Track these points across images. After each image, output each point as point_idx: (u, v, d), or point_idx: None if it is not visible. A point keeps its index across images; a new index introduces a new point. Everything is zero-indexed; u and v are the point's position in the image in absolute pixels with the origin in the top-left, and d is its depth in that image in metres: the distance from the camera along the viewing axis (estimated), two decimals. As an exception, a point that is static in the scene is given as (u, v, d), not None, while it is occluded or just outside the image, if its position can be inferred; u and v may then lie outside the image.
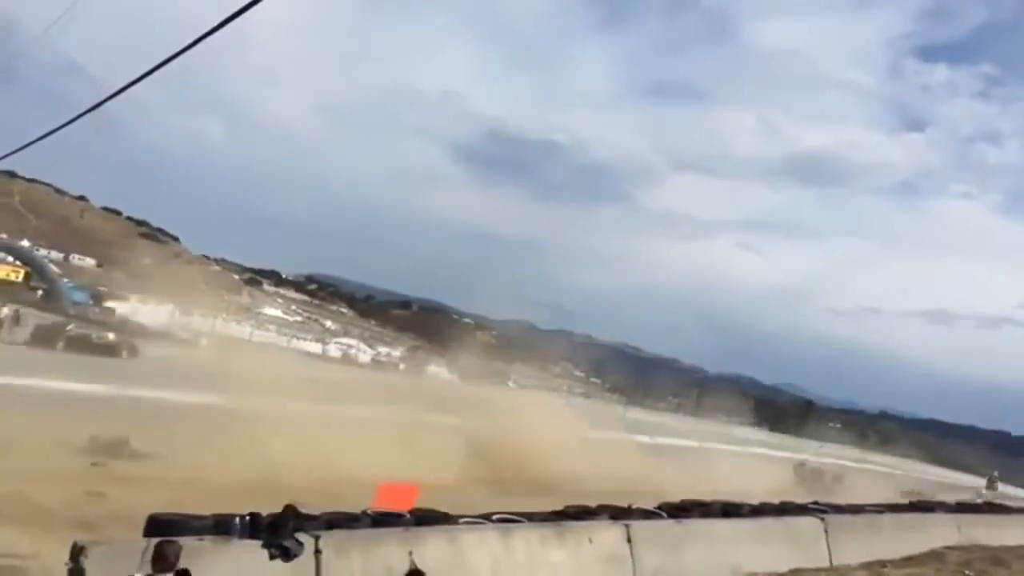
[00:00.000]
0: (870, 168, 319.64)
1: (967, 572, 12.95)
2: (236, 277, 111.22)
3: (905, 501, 21.81)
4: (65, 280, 69.07)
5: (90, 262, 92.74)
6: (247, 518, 8.09)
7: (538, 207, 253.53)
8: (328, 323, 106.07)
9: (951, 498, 23.59)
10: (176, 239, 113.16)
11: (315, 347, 73.93)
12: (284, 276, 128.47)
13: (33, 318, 41.79)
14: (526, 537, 9.69)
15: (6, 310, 41.82)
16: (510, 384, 66.59)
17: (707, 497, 14.28)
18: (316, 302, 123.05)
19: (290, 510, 8.34)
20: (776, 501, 15.35)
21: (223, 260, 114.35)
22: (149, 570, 6.14)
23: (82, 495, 14.52)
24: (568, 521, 10.69)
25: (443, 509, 10.03)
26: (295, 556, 7.78)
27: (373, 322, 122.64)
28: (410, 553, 8.35)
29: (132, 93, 11.18)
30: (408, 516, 9.55)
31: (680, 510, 12.54)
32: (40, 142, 16.56)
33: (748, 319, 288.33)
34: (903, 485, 42.89)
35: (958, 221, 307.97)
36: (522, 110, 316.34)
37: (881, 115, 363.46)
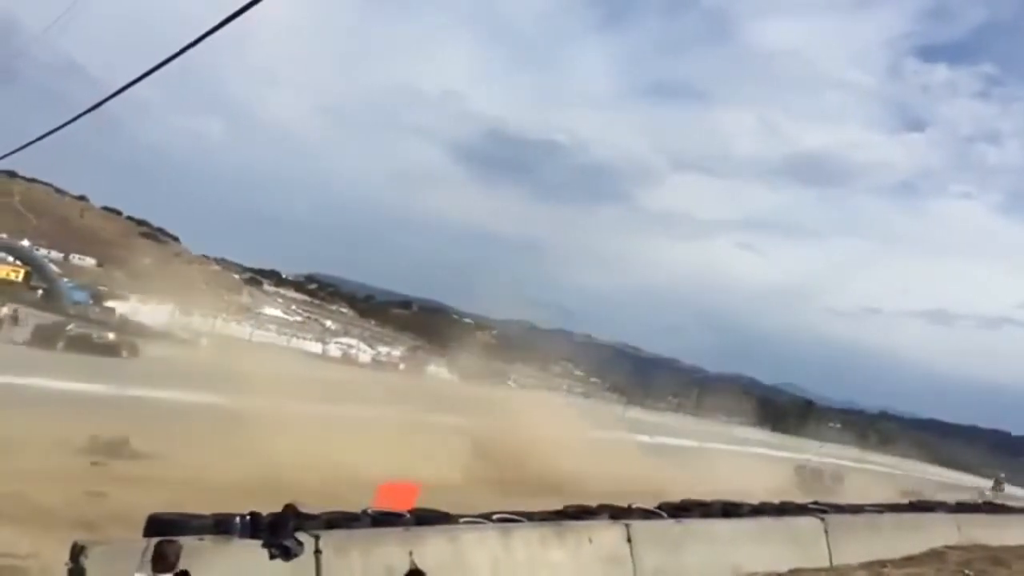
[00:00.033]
0: (870, 168, 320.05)
1: (967, 572, 12.94)
2: (236, 277, 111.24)
3: (905, 501, 21.81)
4: (65, 280, 69.15)
5: (90, 262, 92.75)
6: (247, 518, 8.08)
7: (538, 207, 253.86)
8: (328, 323, 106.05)
9: (952, 499, 23.58)
10: (176, 239, 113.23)
11: (315, 347, 73.93)
12: (284, 276, 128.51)
13: (33, 318, 41.82)
14: (526, 537, 9.69)
15: (5, 310, 41.85)
16: (510, 384, 66.54)
17: (707, 497, 14.28)
18: (316, 302, 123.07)
19: (290, 510, 8.34)
20: (776, 501, 15.36)
21: (223, 260, 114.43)
22: (149, 570, 6.14)
23: (82, 495, 14.50)
24: (568, 521, 10.69)
25: (449, 509, 10.02)
26: (295, 556, 7.78)
27: (373, 322, 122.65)
28: (410, 553, 8.35)
29: (132, 93, 11.17)
30: (408, 516, 9.54)
31: (680, 510, 12.54)
32: (40, 142, 16.55)
33: (748, 319, 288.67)
34: (903, 485, 42.92)
35: (958, 221, 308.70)
36: (522, 110, 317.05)
37: (881, 115, 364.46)
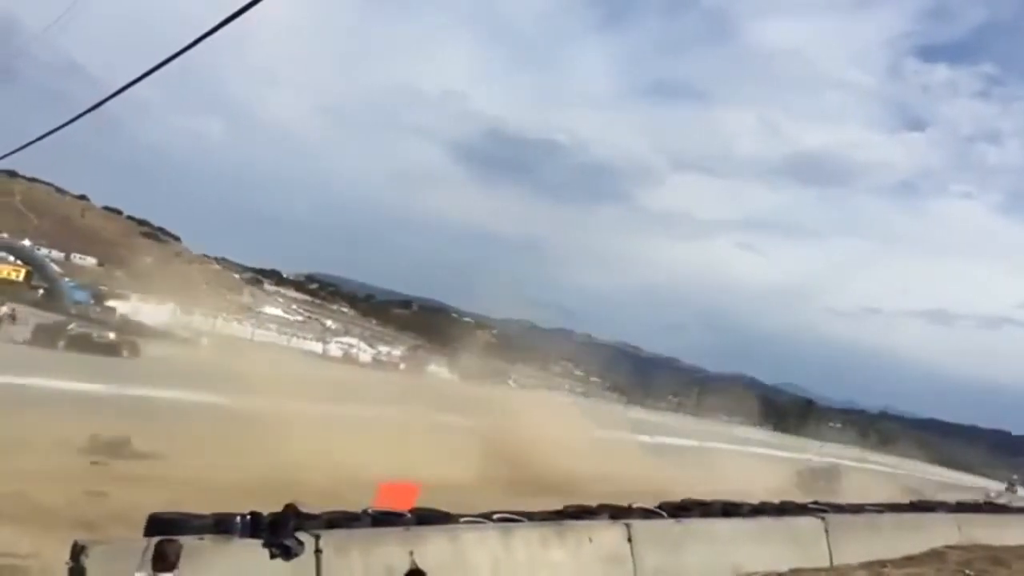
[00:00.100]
0: (870, 168, 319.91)
1: (967, 572, 12.94)
2: (237, 276, 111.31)
3: (906, 500, 21.80)
4: (66, 279, 69.19)
5: (91, 261, 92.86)
6: (248, 517, 8.08)
7: (538, 207, 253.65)
8: (329, 322, 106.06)
9: (955, 499, 23.57)
10: (177, 238, 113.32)
11: (316, 346, 73.99)
12: (285, 275, 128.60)
13: (34, 317, 41.84)
14: (526, 536, 9.69)
15: (4, 309, 41.88)
16: (510, 383, 66.55)
17: (708, 497, 14.28)
18: (317, 301, 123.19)
19: (290, 509, 8.33)
20: (776, 501, 15.35)
21: (224, 259, 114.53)
22: (150, 569, 6.14)
23: (83, 494, 14.51)
24: (568, 520, 10.68)
25: (452, 509, 10.01)
26: (295, 555, 7.78)
27: (374, 321, 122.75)
28: (411, 552, 8.34)
29: (132, 93, 11.20)
30: (409, 515, 9.54)
31: (680, 509, 12.53)
32: (41, 141, 16.59)
33: (748, 319, 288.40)
34: (904, 485, 42.90)
35: (958, 221, 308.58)
36: (522, 110, 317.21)
37: (881, 115, 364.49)
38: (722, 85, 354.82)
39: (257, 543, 7.75)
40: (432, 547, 8.71)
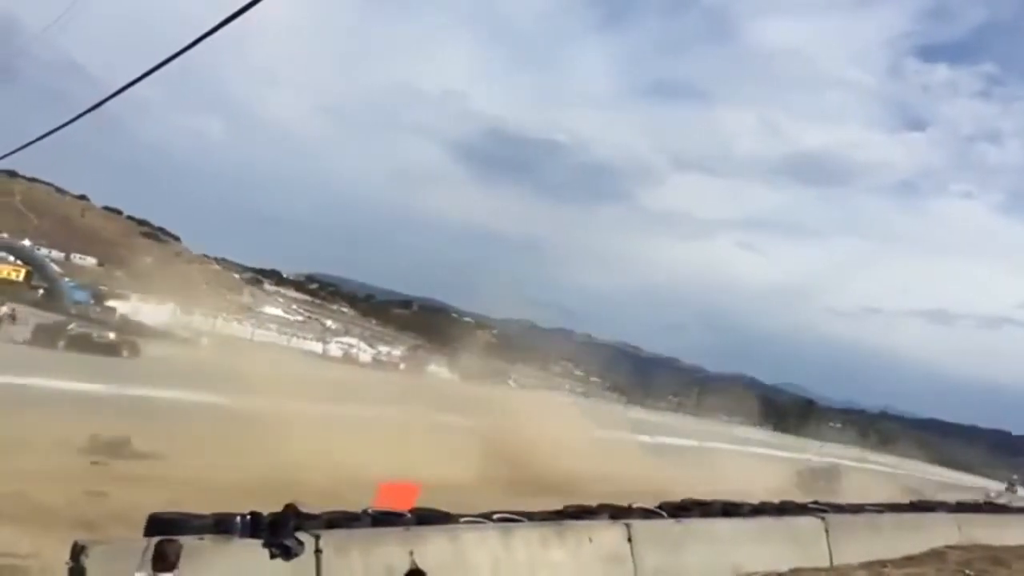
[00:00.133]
0: (871, 167, 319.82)
1: (967, 572, 12.94)
2: (237, 276, 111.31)
3: (907, 500, 21.81)
4: (66, 279, 69.19)
5: (91, 261, 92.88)
6: (248, 517, 8.08)
7: (539, 206, 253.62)
8: (329, 322, 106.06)
9: (955, 499, 23.57)
10: (177, 238, 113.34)
11: (316, 346, 73.99)
12: (285, 275, 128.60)
13: (34, 317, 41.85)
14: (526, 536, 9.68)
15: (4, 309, 41.90)
16: (510, 383, 66.55)
17: (708, 496, 14.27)
18: (317, 301, 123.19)
19: (290, 509, 8.33)
20: (776, 501, 15.35)
21: (224, 259, 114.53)
22: (150, 569, 6.14)
23: (83, 494, 14.51)
24: (568, 520, 10.67)
25: (454, 509, 10.01)
26: (295, 555, 7.77)
27: (374, 321, 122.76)
28: (411, 552, 8.34)
29: (133, 92, 11.21)
30: (409, 515, 9.54)
31: (680, 509, 12.53)
32: (41, 141, 16.60)
33: (749, 318, 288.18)
34: (904, 485, 42.90)
35: (958, 221, 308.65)
36: (522, 109, 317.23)
37: (882, 114, 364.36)
38: (722, 85, 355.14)
39: (257, 543, 7.75)
40: (432, 547, 8.71)
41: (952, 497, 25.15)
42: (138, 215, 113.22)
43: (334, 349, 76.41)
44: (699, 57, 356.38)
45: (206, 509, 8.39)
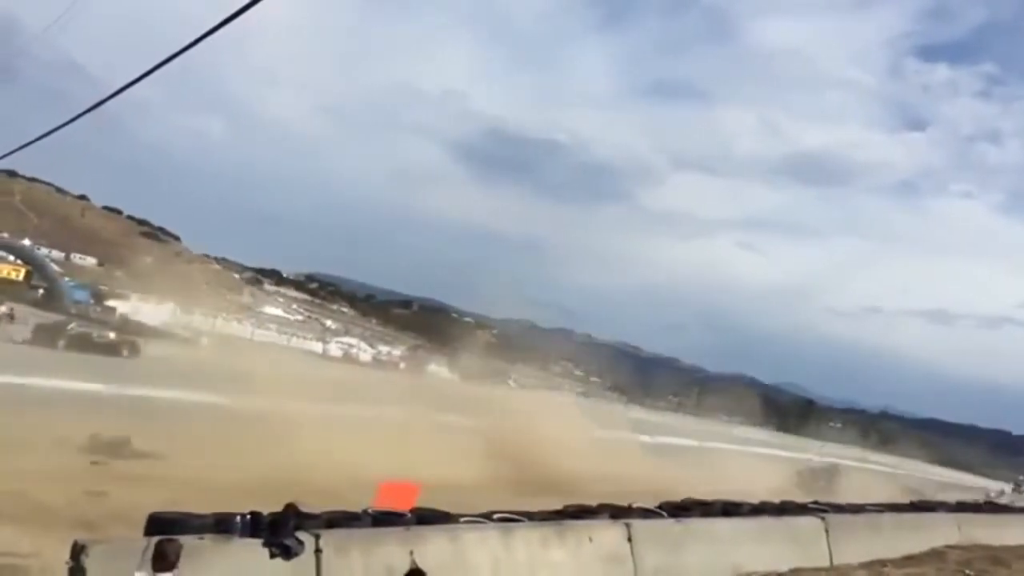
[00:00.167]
0: (871, 167, 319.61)
1: (967, 571, 12.94)
2: (237, 276, 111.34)
3: (906, 500, 21.81)
4: (66, 279, 69.25)
5: (91, 261, 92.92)
6: (248, 517, 8.08)
7: (539, 206, 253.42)
8: (329, 322, 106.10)
9: (954, 499, 23.59)
10: (177, 238, 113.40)
11: (316, 346, 74.05)
12: (285, 275, 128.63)
13: (34, 317, 41.87)
14: (527, 536, 9.68)
15: (3, 308, 41.95)
16: (510, 383, 66.58)
17: (708, 496, 14.27)
18: (317, 301, 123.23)
19: (291, 509, 8.33)
20: (776, 501, 15.35)
21: (224, 259, 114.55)
22: (150, 569, 6.14)
23: (83, 494, 14.53)
24: (568, 520, 10.67)
25: (457, 509, 10.00)
26: (296, 555, 7.77)
27: (374, 321, 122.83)
28: (411, 552, 8.34)
29: (133, 92, 11.20)
30: (409, 515, 9.53)
31: (681, 509, 12.52)
32: (41, 141, 16.59)
33: (749, 318, 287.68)
34: (905, 485, 42.92)
35: (959, 220, 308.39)
36: (522, 109, 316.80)
37: (882, 114, 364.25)
38: (722, 85, 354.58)
39: (257, 543, 7.75)
40: (432, 547, 8.70)
41: (953, 497, 25.16)
42: (138, 215, 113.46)
43: (334, 349, 76.46)
44: (699, 57, 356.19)
45: (206, 509, 8.39)
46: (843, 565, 12.59)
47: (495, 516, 10.15)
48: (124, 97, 11.36)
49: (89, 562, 6.82)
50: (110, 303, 61.33)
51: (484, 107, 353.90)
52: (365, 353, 79.62)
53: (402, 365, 75.61)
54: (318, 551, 7.95)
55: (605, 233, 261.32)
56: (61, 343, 36.41)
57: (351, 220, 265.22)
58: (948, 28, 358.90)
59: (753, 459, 43.69)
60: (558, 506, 11.39)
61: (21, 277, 67.40)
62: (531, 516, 10.49)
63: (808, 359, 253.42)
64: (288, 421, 21.15)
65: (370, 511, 9.42)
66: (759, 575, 11.39)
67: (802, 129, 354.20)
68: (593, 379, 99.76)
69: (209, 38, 8.74)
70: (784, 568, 11.79)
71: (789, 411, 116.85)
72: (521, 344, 76.25)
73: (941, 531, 14.92)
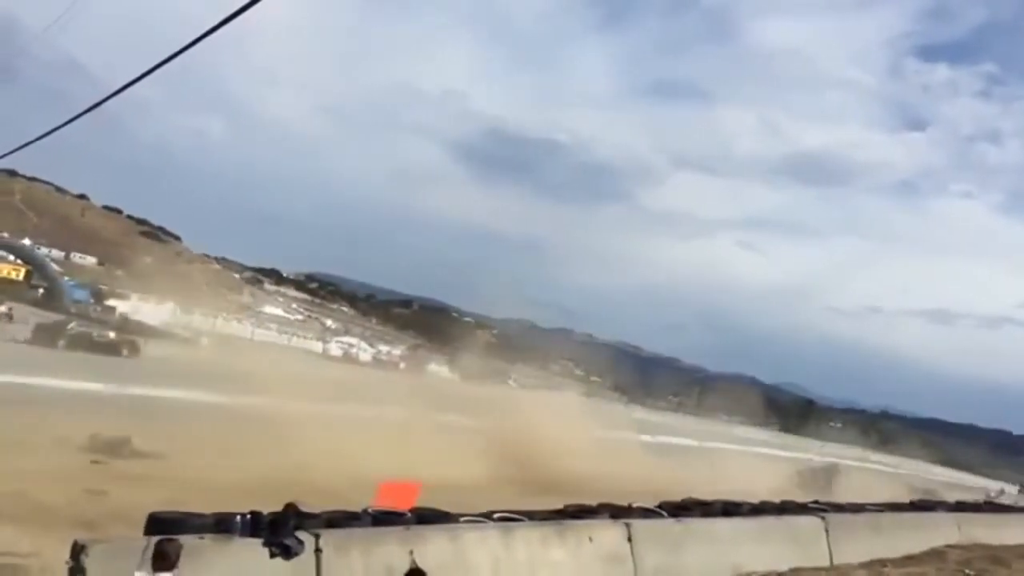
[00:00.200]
0: (871, 167, 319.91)
1: (967, 571, 12.93)
2: (237, 276, 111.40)
3: (907, 500, 21.81)
4: (66, 278, 69.29)
5: (91, 260, 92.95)
6: (248, 516, 8.07)
7: (539, 206, 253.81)
8: (329, 322, 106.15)
9: (955, 499, 23.59)
10: (177, 238, 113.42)
11: (316, 346, 74.11)
12: (285, 275, 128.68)
13: (34, 316, 41.90)
14: (527, 536, 9.68)
15: (2, 308, 41.97)
16: (511, 383, 66.54)
17: (709, 496, 14.25)
18: (317, 301, 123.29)
19: (291, 509, 8.33)
20: (777, 500, 15.34)
21: (224, 259, 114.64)
22: (150, 568, 6.13)
23: (83, 494, 14.52)
24: (569, 520, 10.66)
25: (457, 508, 9.99)
26: (296, 554, 7.77)
27: (374, 321, 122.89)
28: (411, 552, 8.33)
29: (133, 92, 11.22)
30: (409, 515, 9.53)
31: (681, 509, 12.50)
32: (41, 141, 16.63)
33: (749, 318, 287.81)
34: (906, 484, 42.90)
35: (959, 220, 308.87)
36: (522, 109, 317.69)
37: (882, 114, 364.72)
38: (722, 85, 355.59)
39: (257, 542, 7.74)
40: (432, 546, 8.70)
41: (953, 497, 25.17)
42: (138, 215, 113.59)
43: (334, 348, 76.51)
44: (699, 57, 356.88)
45: (206, 508, 8.39)
46: (843, 565, 12.57)
47: (495, 516, 10.15)
48: (124, 97, 11.39)
49: (89, 562, 6.82)
50: (110, 303, 61.39)
51: (484, 107, 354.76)
52: (365, 353, 79.66)
53: (402, 365, 75.63)
54: (318, 551, 7.95)
55: (605, 233, 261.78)
56: (61, 343, 36.45)
57: (351, 220, 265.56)
58: (948, 28, 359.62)
59: (753, 459, 43.65)
60: (558, 506, 11.38)
61: (21, 277, 67.47)
62: (531, 516, 10.48)
63: (808, 359, 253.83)
64: (288, 421, 21.14)
65: (370, 511, 9.41)
66: (759, 575, 11.38)
67: (802, 129, 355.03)
68: (593, 379, 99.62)
69: (209, 38, 8.75)
70: (784, 568, 11.78)
71: (789, 411, 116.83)
72: (521, 344, 76.27)
73: (941, 531, 14.91)
